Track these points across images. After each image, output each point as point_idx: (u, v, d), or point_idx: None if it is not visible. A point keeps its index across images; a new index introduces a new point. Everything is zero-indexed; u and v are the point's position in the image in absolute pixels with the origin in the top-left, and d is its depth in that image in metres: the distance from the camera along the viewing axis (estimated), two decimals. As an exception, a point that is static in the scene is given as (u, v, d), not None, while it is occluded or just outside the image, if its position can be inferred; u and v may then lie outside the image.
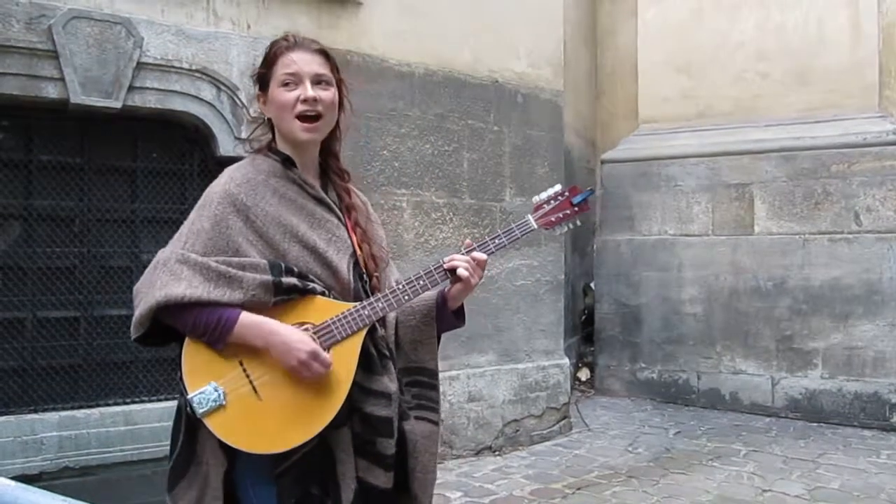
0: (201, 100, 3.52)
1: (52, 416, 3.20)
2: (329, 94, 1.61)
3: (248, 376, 1.50)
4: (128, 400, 3.42)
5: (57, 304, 3.30)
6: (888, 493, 3.86)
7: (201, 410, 1.47)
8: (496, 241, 1.66)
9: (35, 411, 3.21)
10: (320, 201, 1.63)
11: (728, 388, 5.89)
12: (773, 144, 5.81)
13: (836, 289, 5.51)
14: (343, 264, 1.59)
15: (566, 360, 5.15)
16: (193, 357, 1.50)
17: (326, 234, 1.60)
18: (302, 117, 1.58)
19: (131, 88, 3.32)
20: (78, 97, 3.19)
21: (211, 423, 1.47)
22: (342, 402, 1.51)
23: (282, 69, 1.59)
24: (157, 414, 3.41)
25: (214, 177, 4.00)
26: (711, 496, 3.82)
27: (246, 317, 1.48)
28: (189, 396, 1.48)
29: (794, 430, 5.23)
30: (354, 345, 1.54)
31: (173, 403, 3.40)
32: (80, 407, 3.29)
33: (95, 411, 3.30)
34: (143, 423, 3.37)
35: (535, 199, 1.73)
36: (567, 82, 5.43)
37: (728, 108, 6.12)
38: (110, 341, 3.41)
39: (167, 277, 1.47)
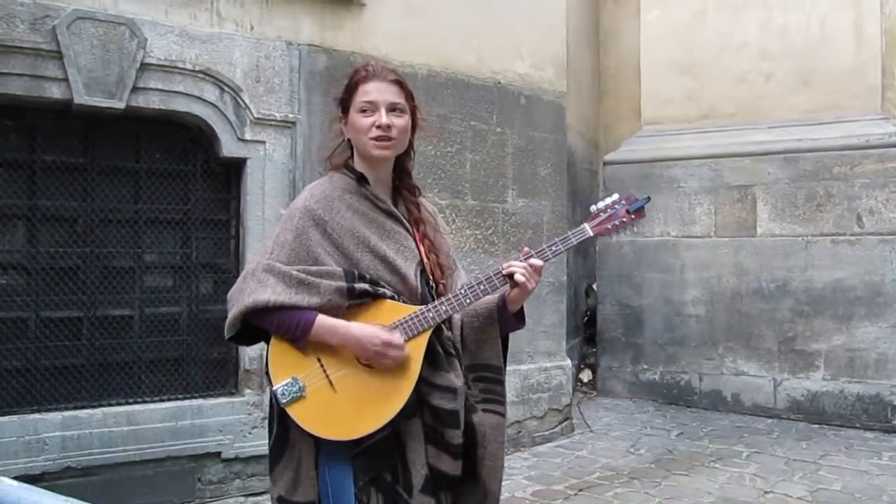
0: (204, 101, 3.53)
1: (55, 416, 3.21)
2: (402, 120, 1.77)
3: (325, 371, 1.66)
4: (130, 400, 3.43)
5: (60, 305, 3.31)
6: (890, 495, 3.85)
7: (284, 400, 1.63)
8: (553, 248, 1.81)
9: (38, 411, 3.22)
10: (390, 214, 1.79)
11: (730, 389, 5.88)
12: (775, 146, 5.81)
13: (839, 290, 5.50)
14: (410, 271, 1.75)
15: (568, 362, 5.15)
16: (278, 354, 1.67)
17: (395, 245, 1.76)
18: (376, 139, 1.74)
19: (135, 89, 3.33)
20: (82, 98, 3.20)
21: (292, 412, 1.64)
22: (408, 396, 1.66)
23: (361, 97, 1.75)
24: (159, 414, 3.42)
25: (217, 177, 4.02)
26: (713, 498, 3.82)
27: (322, 318, 1.64)
28: (274, 388, 1.65)
29: (795, 432, 5.23)
30: (420, 343, 1.68)
31: (175, 404, 3.46)
32: (83, 407, 3.30)
33: (98, 411, 3.30)
34: (146, 424, 3.38)
35: (593, 207, 1.85)
36: (570, 84, 5.43)
37: (731, 109, 6.12)
38: (113, 341, 3.42)
39: (255, 285, 1.65)
